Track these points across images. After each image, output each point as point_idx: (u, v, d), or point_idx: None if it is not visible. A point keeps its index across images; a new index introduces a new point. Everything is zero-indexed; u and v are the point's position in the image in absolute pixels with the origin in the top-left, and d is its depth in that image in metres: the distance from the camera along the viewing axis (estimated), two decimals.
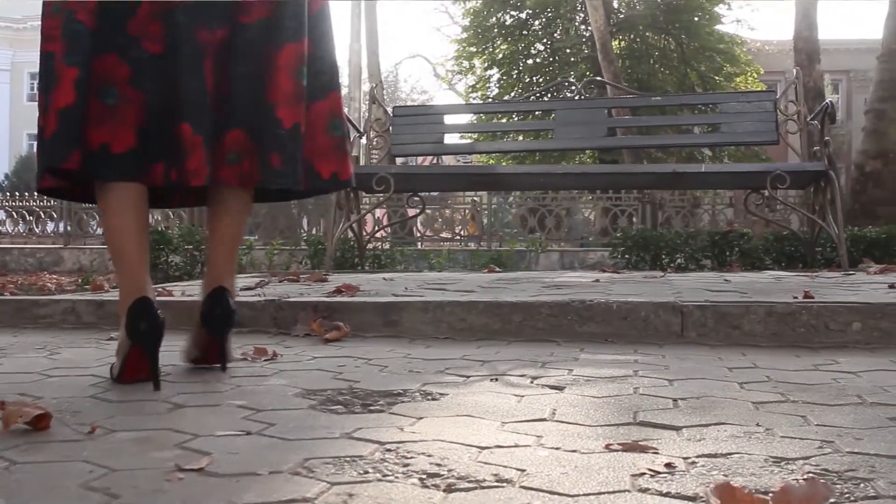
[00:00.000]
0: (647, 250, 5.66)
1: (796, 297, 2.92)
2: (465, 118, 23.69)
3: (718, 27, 23.52)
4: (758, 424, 1.57)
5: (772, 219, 8.08)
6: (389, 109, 6.19)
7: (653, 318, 2.79)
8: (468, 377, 2.12)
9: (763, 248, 5.68)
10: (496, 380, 2.08)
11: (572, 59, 23.48)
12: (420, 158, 11.83)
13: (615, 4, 23.99)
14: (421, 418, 1.64)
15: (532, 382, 2.04)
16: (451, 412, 1.70)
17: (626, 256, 5.77)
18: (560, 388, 1.96)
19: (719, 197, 12.81)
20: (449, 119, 6.25)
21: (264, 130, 2.03)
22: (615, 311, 2.81)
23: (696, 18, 23.18)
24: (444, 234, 11.60)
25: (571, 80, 6.02)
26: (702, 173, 5.18)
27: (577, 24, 24.25)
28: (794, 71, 5.73)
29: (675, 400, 1.81)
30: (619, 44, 23.32)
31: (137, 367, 1.98)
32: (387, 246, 9.64)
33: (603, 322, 2.81)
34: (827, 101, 5.01)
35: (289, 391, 1.94)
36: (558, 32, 24.50)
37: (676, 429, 1.54)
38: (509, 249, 7.09)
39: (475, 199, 12.37)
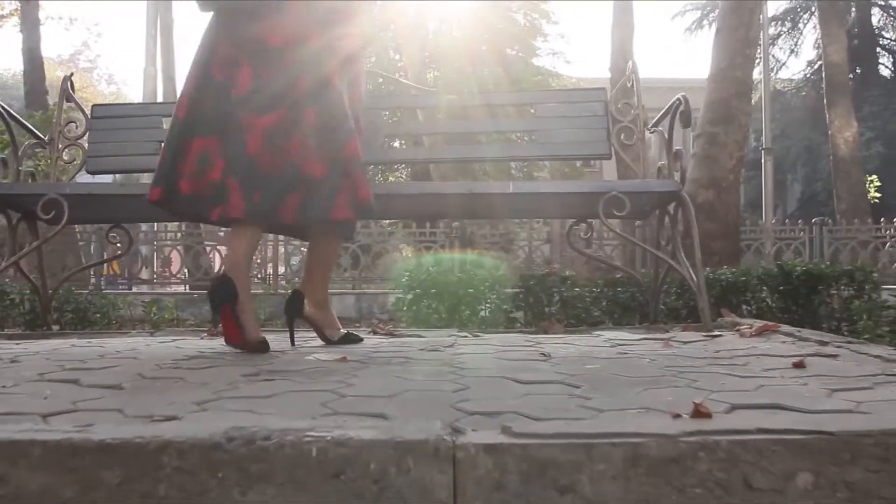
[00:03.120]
0: (440, 299, 4.19)
1: (679, 415, 1.50)
2: None
3: (535, 60, 23.16)
4: None
5: (595, 256, 6.91)
6: (88, 109, 4.43)
7: (394, 478, 1.29)
8: None
9: (591, 296, 4.33)
10: None
11: (382, 87, 22.26)
12: None
13: (430, 36, 23.09)
14: None
15: None
16: None
17: (414, 307, 4.27)
18: None
19: (536, 231, 11.67)
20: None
21: (304, 184, 2.85)
22: (314, 464, 1.30)
23: (510, 51, 22.73)
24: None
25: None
26: (510, 195, 3.69)
27: (391, 53, 23.21)
28: (630, 64, 4.39)
29: None
30: (434, 74, 22.39)
31: None
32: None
33: (290, 485, 1.30)
34: (678, 96, 3.68)
35: None
36: (372, 61, 23.30)
37: None
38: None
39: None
